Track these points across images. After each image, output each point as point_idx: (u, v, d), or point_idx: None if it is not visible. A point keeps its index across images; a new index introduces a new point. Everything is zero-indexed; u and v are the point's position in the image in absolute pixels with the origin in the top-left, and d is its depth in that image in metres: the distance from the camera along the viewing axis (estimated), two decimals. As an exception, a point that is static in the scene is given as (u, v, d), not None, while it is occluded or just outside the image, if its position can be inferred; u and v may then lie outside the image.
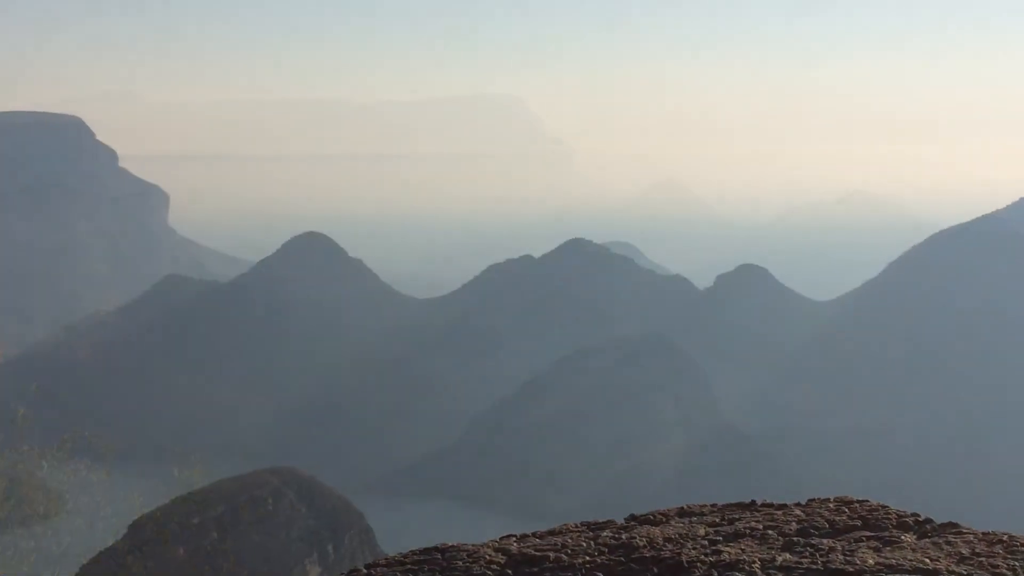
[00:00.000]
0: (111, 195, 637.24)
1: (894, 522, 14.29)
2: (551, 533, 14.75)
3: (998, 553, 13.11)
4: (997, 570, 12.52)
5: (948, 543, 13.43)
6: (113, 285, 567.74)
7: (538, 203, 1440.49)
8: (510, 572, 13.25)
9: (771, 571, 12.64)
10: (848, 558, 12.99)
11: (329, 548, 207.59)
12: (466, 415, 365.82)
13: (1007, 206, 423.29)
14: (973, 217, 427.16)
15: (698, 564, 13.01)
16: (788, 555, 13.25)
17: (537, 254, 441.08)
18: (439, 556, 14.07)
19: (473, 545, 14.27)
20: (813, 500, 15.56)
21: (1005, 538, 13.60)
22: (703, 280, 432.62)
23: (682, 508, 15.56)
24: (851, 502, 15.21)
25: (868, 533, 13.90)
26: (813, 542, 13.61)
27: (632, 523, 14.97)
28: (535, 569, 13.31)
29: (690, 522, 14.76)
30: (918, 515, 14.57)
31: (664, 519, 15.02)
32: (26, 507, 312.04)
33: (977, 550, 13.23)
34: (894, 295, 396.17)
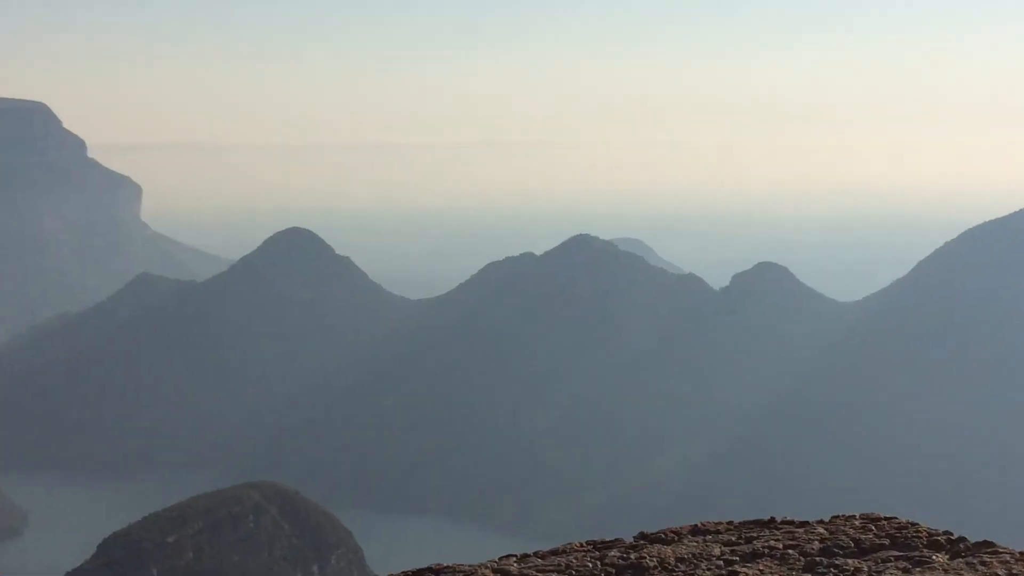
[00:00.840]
0: (79, 187, 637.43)
1: (925, 541, 14.27)
2: (554, 552, 14.74)
3: (1037, 574, 13.08)
4: (1036, 593, 12.50)
5: (983, 563, 13.41)
6: (81, 284, 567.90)
7: (540, 196, 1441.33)
8: (510, 595, 13.23)
9: (792, 594, 12.63)
10: (875, 580, 12.97)
11: (315, 568, 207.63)
12: (461, 423, 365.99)
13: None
14: (1010, 212, 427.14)
15: (713, 586, 12.99)
16: (810, 576, 13.22)
17: (539, 251, 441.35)
18: (433, 577, 14.05)
19: (470, 566, 14.26)
20: (837, 517, 15.55)
21: (1045, 558, 13.57)
22: (718, 279, 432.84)
23: (696, 525, 15.55)
24: (878, 519, 15.20)
25: (897, 553, 13.88)
26: (837, 562, 13.60)
27: (642, 542, 14.96)
28: (537, 591, 13.29)
29: (704, 541, 14.74)
30: (951, 533, 14.55)
31: (676, 537, 15.01)
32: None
33: (1015, 571, 13.21)
34: (925, 296, 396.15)
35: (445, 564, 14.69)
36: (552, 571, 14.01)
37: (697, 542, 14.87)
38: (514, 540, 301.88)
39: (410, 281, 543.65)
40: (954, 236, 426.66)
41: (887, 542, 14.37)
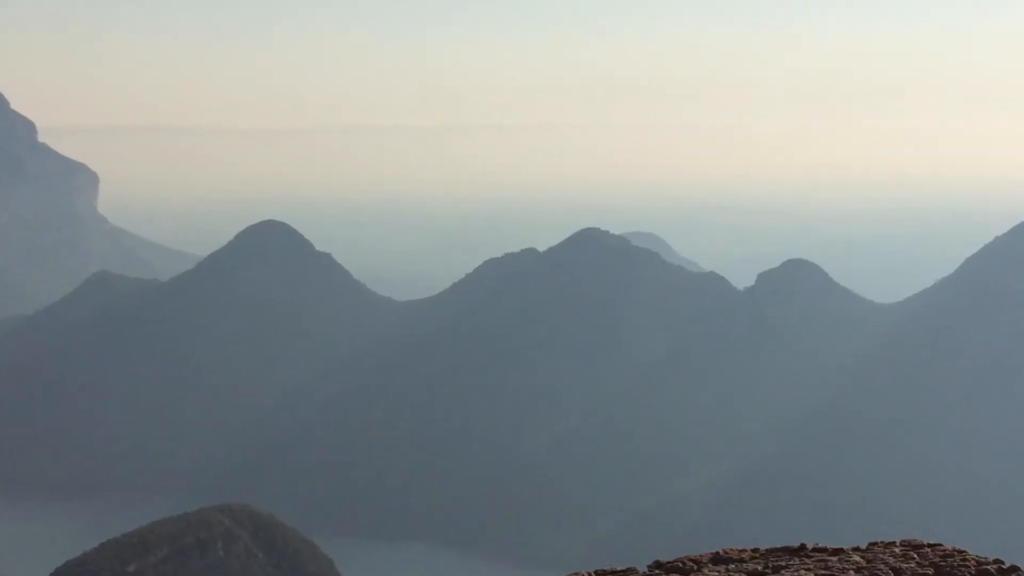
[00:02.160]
0: (29, 175, 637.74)
1: (973, 570, 14.29)
2: (559, 583, 14.77)
3: (1098, 608, 13.10)
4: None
5: (1038, 595, 13.42)
6: (32, 283, 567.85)
7: (544, 185, 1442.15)
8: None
9: (824, 629, 12.63)
10: (917, 614, 12.99)
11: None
12: (456, 439, 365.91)
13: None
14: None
15: (737, 621, 13.01)
16: (845, 610, 13.23)
17: (543, 247, 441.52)
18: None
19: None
20: (875, 543, 15.57)
21: (1106, 589, 13.58)
22: (742, 278, 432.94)
23: (717, 553, 15.56)
24: (921, 546, 15.22)
25: (941, 583, 13.89)
26: (875, 594, 13.60)
27: (657, 571, 14.98)
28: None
29: (727, 570, 14.76)
30: (1001, 561, 14.57)
31: (696, 567, 15.02)
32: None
33: (1073, 604, 13.23)
34: (973, 296, 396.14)
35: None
36: (557, 604, 14.11)
37: (719, 571, 14.92)
38: (515, 570, 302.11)
39: (398, 280, 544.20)
40: (1005, 229, 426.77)
41: (931, 571, 14.40)
